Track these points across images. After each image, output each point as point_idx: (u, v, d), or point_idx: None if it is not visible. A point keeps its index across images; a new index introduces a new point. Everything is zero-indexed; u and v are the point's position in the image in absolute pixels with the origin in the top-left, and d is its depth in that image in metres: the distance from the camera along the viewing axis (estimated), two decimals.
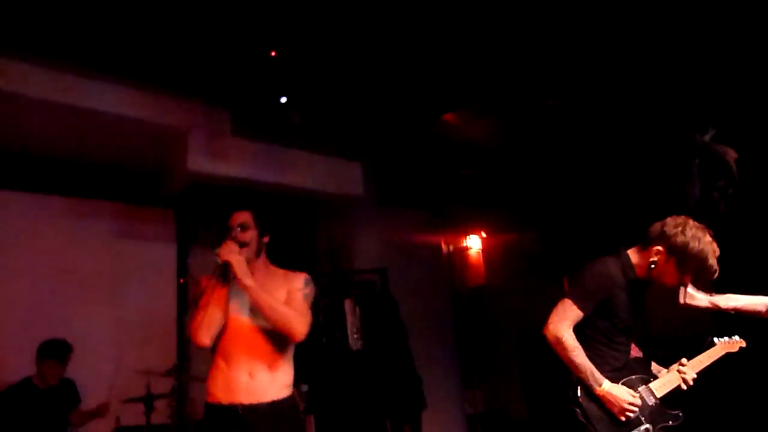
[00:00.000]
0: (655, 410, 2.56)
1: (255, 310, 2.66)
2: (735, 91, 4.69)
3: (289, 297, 2.71)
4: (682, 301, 2.77)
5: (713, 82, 4.81)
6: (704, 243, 2.54)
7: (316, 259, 6.15)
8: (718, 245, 2.60)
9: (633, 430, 2.50)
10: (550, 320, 2.65)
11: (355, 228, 6.04)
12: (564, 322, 2.60)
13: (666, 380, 2.64)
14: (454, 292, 6.92)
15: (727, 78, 4.70)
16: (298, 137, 5.58)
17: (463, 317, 6.99)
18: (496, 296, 8.04)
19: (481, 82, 5.13)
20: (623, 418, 2.49)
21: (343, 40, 4.38)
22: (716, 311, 2.87)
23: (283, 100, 4.64)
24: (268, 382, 2.63)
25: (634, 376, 2.62)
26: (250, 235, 2.75)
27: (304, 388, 5.11)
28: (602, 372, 2.53)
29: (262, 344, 2.65)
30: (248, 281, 2.58)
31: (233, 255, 2.59)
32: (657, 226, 2.65)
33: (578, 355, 2.54)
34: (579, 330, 2.60)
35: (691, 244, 2.52)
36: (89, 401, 4.75)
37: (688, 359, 2.72)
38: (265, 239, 2.83)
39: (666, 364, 2.75)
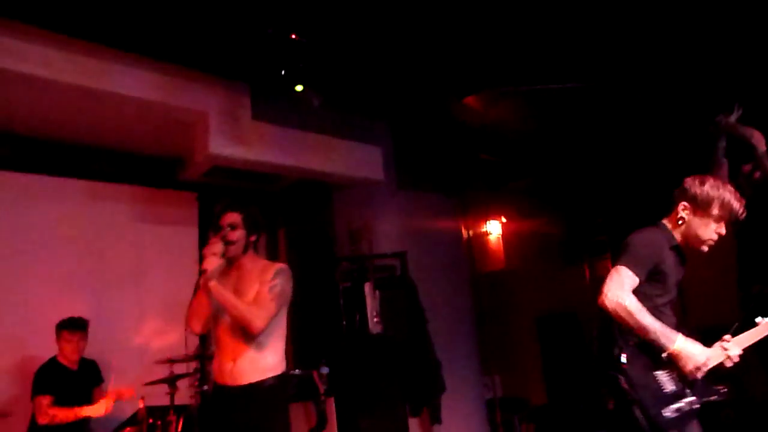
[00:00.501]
0: (700, 384, 2.52)
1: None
2: (763, 69, 4.59)
3: (259, 289, 2.96)
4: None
5: (739, 61, 4.71)
6: (723, 188, 2.65)
7: (335, 243, 6.16)
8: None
9: (679, 400, 2.46)
10: (606, 289, 2.57)
11: (374, 212, 6.03)
12: (622, 288, 2.54)
13: (711, 354, 2.57)
14: (474, 276, 6.90)
15: (753, 57, 4.60)
16: (319, 121, 5.57)
17: (482, 302, 6.98)
18: (515, 281, 8.03)
19: (502, 64, 5.07)
20: (699, 375, 2.45)
21: (364, 22, 4.34)
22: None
23: (299, 88, 4.63)
24: (248, 366, 2.94)
25: None
26: (238, 234, 3.03)
27: (325, 370, 5.15)
28: None
29: (241, 333, 2.93)
30: (210, 283, 2.88)
31: (210, 260, 2.89)
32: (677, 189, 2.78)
33: (645, 315, 2.48)
34: None
35: (711, 191, 2.64)
36: (113, 383, 4.84)
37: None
38: (252, 238, 3.10)
39: None
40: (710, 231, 2.68)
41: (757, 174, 3.45)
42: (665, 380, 2.50)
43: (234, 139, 5.03)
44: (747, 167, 3.53)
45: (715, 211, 2.64)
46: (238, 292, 3.00)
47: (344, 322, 5.58)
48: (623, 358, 2.51)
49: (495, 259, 7.96)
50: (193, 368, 4.46)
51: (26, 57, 3.94)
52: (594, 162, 6.94)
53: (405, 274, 5.85)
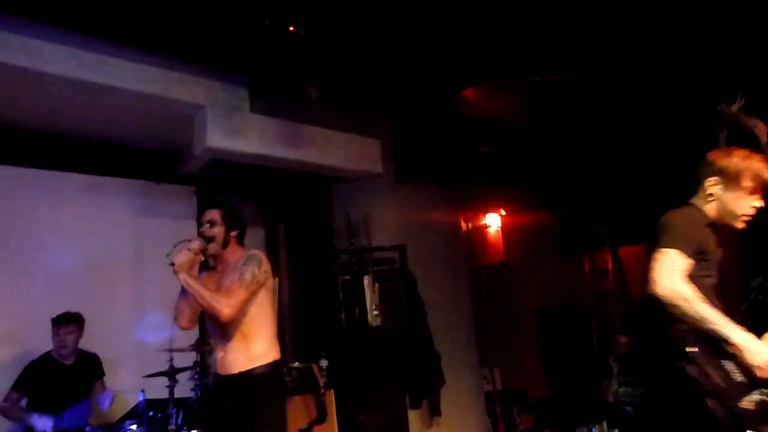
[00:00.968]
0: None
1: None
2: (764, 59, 4.58)
3: (231, 277, 3.08)
4: None
5: (740, 50, 4.69)
6: (752, 158, 2.52)
7: (334, 236, 6.16)
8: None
9: (751, 391, 2.28)
10: (656, 275, 2.34)
11: (373, 205, 6.02)
12: (676, 272, 2.32)
13: None
14: (473, 269, 6.90)
15: (754, 46, 4.58)
16: (317, 114, 5.55)
17: (481, 294, 6.98)
18: (515, 274, 8.03)
19: (501, 56, 5.05)
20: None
21: (363, 13, 4.32)
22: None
23: (300, 66, 4.63)
24: (236, 355, 3.07)
25: None
26: (216, 230, 3.17)
27: (324, 363, 5.16)
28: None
29: (227, 327, 3.06)
30: (181, 276, 2.98)
31: (180, 255, 2.99)
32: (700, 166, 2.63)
33: (704, 304, 2.27)
34: None
35: (739, 162, 2.51)
36: (113, 376, 4.85)
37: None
38: (233, 233, 3.22)
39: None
40: (744, 205, 2.53)
41: None
42: (733, 370, 2.31)
43: (232, 133, 5.01)
44: None
45: (746, 182, 2.49)
46: (221, 285, 3.09)
47: (343, 315, 5.58)
48: (689, 346, 2.29)
49: (494, 251, 7.97)
50: (193, 361, 4.46)
51: (22, 50, 3.92)
52: (593, 154, 6.94)
53: (404, 267, 5.85)
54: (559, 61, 5.08)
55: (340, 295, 5.65)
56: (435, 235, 6.24)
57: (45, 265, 5.03)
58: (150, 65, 4.52)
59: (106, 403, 4.46)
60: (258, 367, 3.06)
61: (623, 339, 5.73)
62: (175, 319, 3.21)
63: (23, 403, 4.30)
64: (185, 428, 4.22)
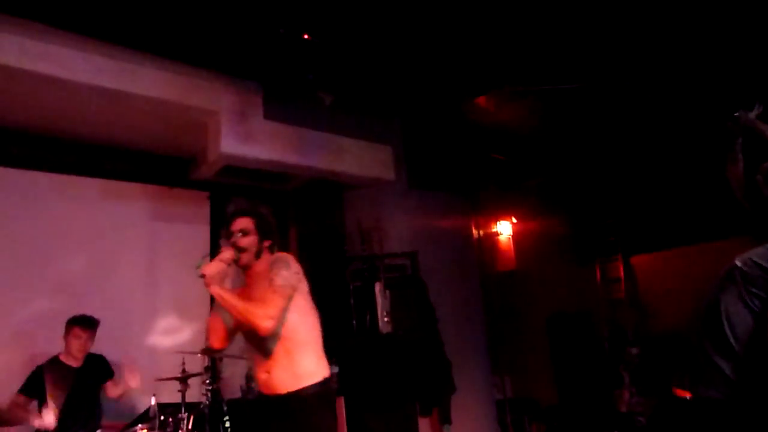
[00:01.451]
0: None
1: None
2: None
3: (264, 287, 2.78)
4: None
5: (755, 59, 4.66)
6: None
7: (346, 243, 6.17)
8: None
9: None
10: None
11: (385, 211, 6.03)
12: None
13: None
14: (484, 276, 6.89)
15: None
16: (330, 121, 5.58)
17: (492, 302, 6.96)
18: (526, 282, 8.00)
19: (513, 64, 5.06)
20: None
21: (376, 22, 4.35)
22: None
23: (311, 79, 4.64)
24: (282, 375, 2.74)
25: None
26: (249, 240, 2.86)
27: (335, 369, 5.16)
28: None
29: (267, 343, 2.75)
30: (213, 289, 2.68)
31: (210, 266, 2.71)
32: None
33: None
34: None
35: None
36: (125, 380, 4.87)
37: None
38: (267, 243, 2.91)
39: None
40: None
41: None
42: None
43: (246, 139, 5.05)
44: (766, 165, 3.44)
45: None
46: (252, 299, 2.78)
47: (355, 322, 5.59)
48: None
49: (506, 259, 7.94)
50: (204, 366, 4.48)
51: (42, 56, 3.98)
52: (605, 162, 6.91)
53: (416, 274, 5.86)
54: (572, 69, 5.08)
55: (352, 301, 5.66)
56: (446, 242, 6.24)
57: (59, 268, 5.08)
58: (166, 72, 4.58)
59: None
60: (309, 387, 2.74)
61: (634, 350, 5.70)
62: (207, 338, 2.89)
63: (32, 406, 4.27)
64: None
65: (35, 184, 5.15)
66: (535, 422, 6.83)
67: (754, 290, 2.19)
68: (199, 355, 4.43)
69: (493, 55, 4.91)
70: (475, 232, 6.92)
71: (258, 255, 2.87)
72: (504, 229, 7.99)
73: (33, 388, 4.25)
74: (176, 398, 4.30)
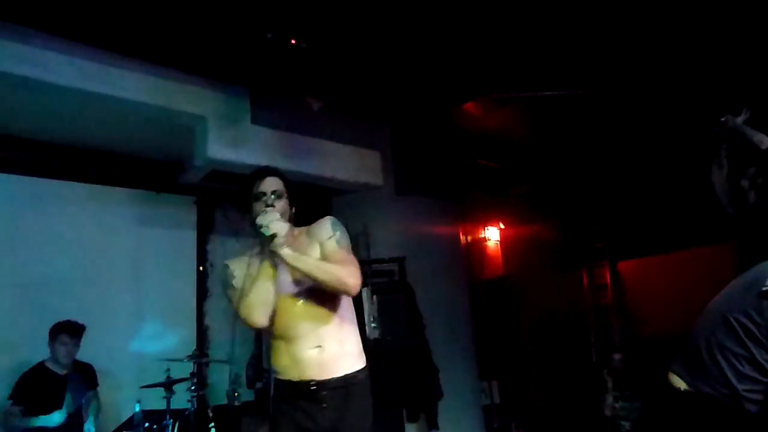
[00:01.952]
0: None
1: (300, 282, 2.46)
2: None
3: (324, 251, 2.48)
4: None
5: (739, 65, 4.71)
6: None
7: None
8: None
9: None
10: None
11: (373, 217, 6.03)
12: None
13: None
14: (472, 282, 6.90)
15: (758, 57, 4.59)
16: (318, 126, 5.58)
17: (480, 308, 6.97)
18: (513, 287, 8.02)
19: (501, 71, 5.09)
20: None
21: (365, 27, 4.36)
22: None
23: (288, 88, 4.63)
24: (336, 350, 2.44)
25: None
26: (283, 204, 2.51)
27: None
28: None
29: (316, 317, 2.44)
30: (285, 251, 2.35)
31: (278, 224, 2.35)
32: None
33: None
34: None
35: None
36: (110, 386, 4.83)
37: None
38: (294, 209, 2.60)
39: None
40: None
41: (760, 180, 3.34)
42: None
43: (233, 143, 5.04)
44: (752, 170, 3.43)
45: None
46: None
47: None
48: None
49: (494, 265, 7.97)
50: (190, 373, 4.44)
51: (26, 60, 3.95)
52: (592, 168, 6.96)
53: (403, 279, 5.85)
54: (559, 76, 5.11)
55: None
56: (434, 247, 6.24)
57: (45, 273, 5.02)
58: (152, 76, 4.56)
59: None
60: (359, 372, 2.50)
61: (617, 356, 5.74)
62: (249, 316, 2.39)
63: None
64: None
65: (20, 188, 5.09)
66: (522, 427, 6.84)
67: None
68: (185, 360, 4.39)
69: (481, 61, 4.93)
70: (463, 237, 6.93)
71: (289, 221, 2.52)
72: (492, 235, 8.01)
73: (20, 395, 4.21)
74: (162, 405, 4.27)
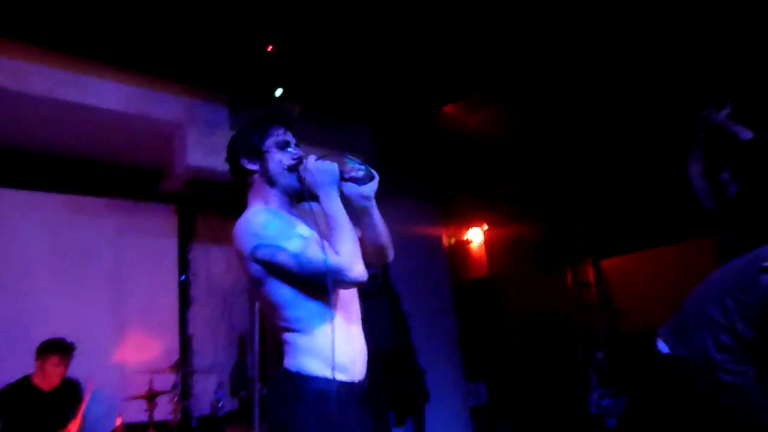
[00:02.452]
0: None
1: None
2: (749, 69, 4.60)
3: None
4: None
5: (723, 60, 4.74)
6: None
7: None
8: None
9: None
10: None
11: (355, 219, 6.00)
12: None
13: None
14: (456, 283, 6.90)
15: (737, 54, 4.62)
16: (297, 130, 5.53)
17: (465, 309, 6.97)
18: (498, 288, 8.02)
19: (483, 71, 5.09)
20: None
21: (345, 29, 4.34)
22: None
23: (279, 92, 4.59)
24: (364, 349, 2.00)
25: None
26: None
27: None
28: None
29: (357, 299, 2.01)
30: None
31: (350, 167, 1.96)
32: None
33: None
34: None
35: None
36: (90, 399, 4.74)
37: None
38: None
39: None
40: None
41: (740, 174, 3.32)
42: None
43: (212, 151, 4.97)
44: (733, 163, 3.41)
45: None
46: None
47: None
48: None
49: (478, 265, 7.96)
50: (173, 384, 4.39)
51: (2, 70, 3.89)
52: (575, 167, 6.99)
53: (387, 282, 5.83)
54: (540, 76, 5.13)
55: None
56: (418, 249, 6.24)
57: (23, 284, 4.94)
58: (129, 84, 4.51)
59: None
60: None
61: (600, 354, 5.78)
62: (353, 266, 1.89)
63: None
64: None
65: None
66: (510, 429, 6.83)
67: None
68: (167, 371, 4.34)
69: (463, 61, 4.93)
70: (446, 238, 6.93)
71: None
72: (475, 236, 8.02)
73: (6, 410, 4.10)
74: (144, 417, 4.22)
